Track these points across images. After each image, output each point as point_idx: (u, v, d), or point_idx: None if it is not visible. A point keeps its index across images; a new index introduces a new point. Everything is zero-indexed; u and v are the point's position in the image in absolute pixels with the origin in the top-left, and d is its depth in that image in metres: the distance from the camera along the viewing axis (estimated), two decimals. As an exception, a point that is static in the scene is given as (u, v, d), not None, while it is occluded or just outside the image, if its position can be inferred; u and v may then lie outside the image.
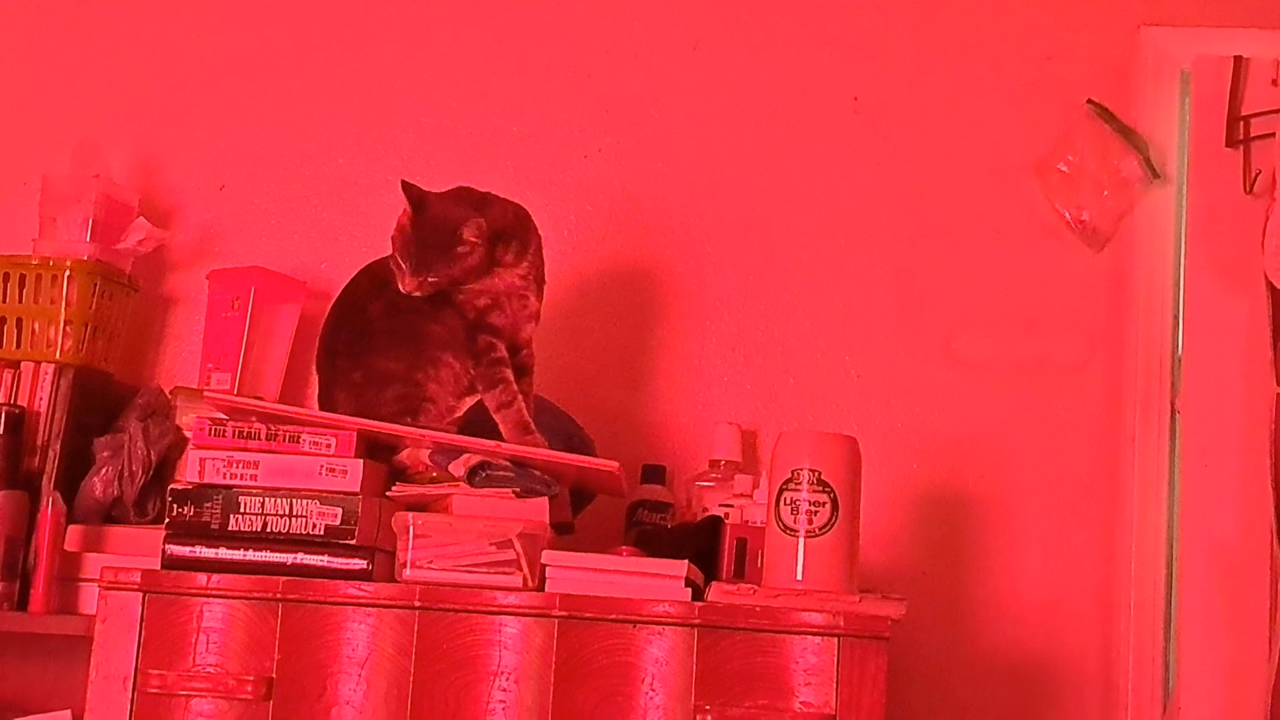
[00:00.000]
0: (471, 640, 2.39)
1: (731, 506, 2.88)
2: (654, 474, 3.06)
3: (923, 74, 3.29)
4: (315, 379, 2.78)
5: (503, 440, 2.60)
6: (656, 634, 2.37)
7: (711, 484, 3.02)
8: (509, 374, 2.68)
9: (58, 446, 2.92)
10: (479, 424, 2.67)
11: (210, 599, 2.43)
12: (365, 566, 2.47)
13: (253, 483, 2.51)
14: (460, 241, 2.63)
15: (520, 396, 2.67)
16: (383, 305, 2.69)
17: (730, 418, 3.14)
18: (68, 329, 2.97)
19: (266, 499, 2.50)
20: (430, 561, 2.45)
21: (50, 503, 2.85)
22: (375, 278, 2.72)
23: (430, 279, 2.63)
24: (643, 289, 3.27)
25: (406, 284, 2.64)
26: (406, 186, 2.66)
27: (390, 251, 2.66)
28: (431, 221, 2.65)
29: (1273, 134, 3.06)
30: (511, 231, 2.71)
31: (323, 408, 2.72)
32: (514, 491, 2.54)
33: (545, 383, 2.83)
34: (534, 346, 2.78)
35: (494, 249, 2.67)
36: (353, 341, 2.72)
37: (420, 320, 2.69)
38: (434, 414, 2.65)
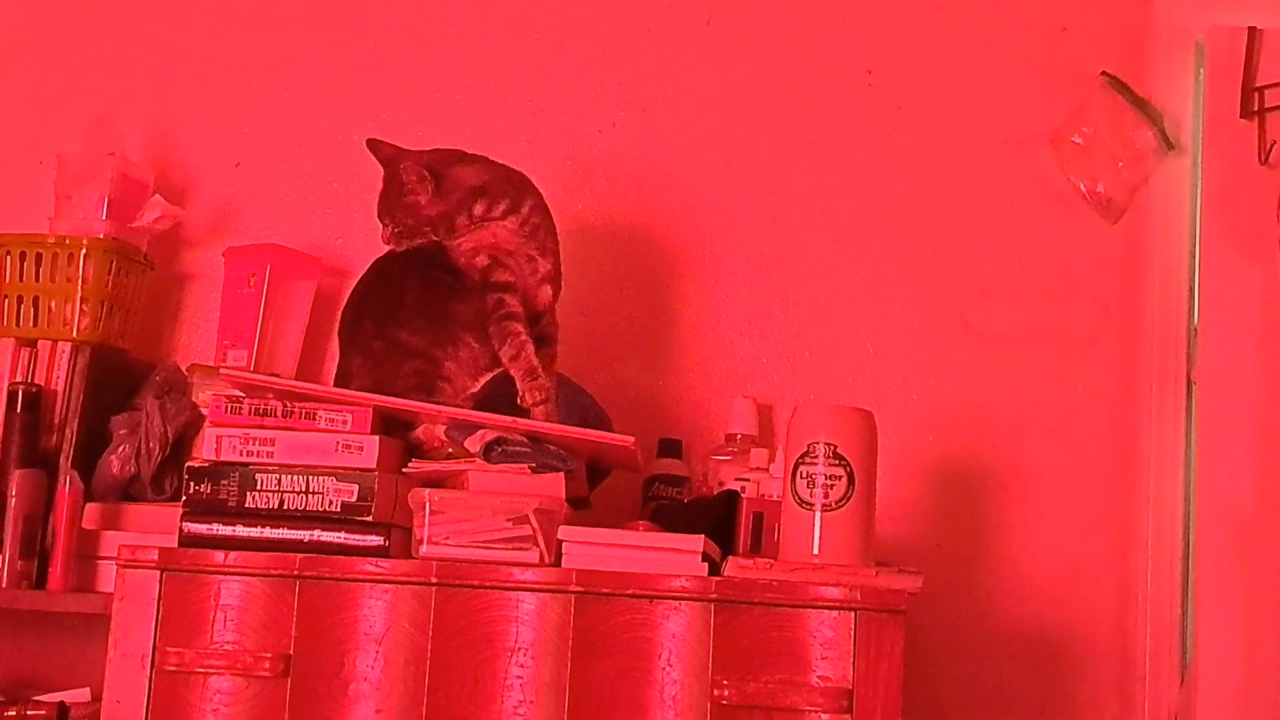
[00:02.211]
0: (488, 616, 2.39)
1: (748, 480, 2.87)
2: (670, 448, 3.06)
3: (936, 47, 3.29)
4: (331, 356, 2.80)
5: (518, 416, 2.61)
6: (673, 609, 2.38)
7: (727, 458, 3.03)
8: (518, 326, 2.70)
9: (75, 425, 2.93)
10: (495, 400, 2.67)
11: (228, 576, 2.44)
12: (382, 543, 2.47)
13: (269, 460, 2.51)
14: (404, 189, 2.68)
15: (528, 345, 2.69)
16: (419, 281, 2.73)
17: (746, 391, 3.15)
18: (84, 307, 2.98)
19: (283, 476, 2.50)
20: (447, 538, 2.45)
21: (68, 481, 2.85)
22: (416, 251, 2.75)
23: (394, 229, 2.72)
24: (657, 263, 3.27)
25: (381, 236, 2.75)
26: (372, 144, 2.76)
27: None
28: (392, 173, 2.75)
29: (1287, 105, 3.07)
30: (496, 189, 2.75)
31: (339, 372, 2.75)
32: (530, 467, 2.54)
33: (561, 357, 2.83)
34: (555, 315, 2.80)
35: (470, 204, 2.72)
36: (381, 310, 2.74)
37: (449, 300, 2.72)
38: (449, 394, 2.66)
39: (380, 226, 2.73)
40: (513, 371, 2.67)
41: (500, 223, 2.72)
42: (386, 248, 2.75)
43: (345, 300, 2.84)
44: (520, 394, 2.63)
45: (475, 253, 2.71)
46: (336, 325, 2.85)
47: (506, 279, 2.72)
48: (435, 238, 2.71)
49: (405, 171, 2.69)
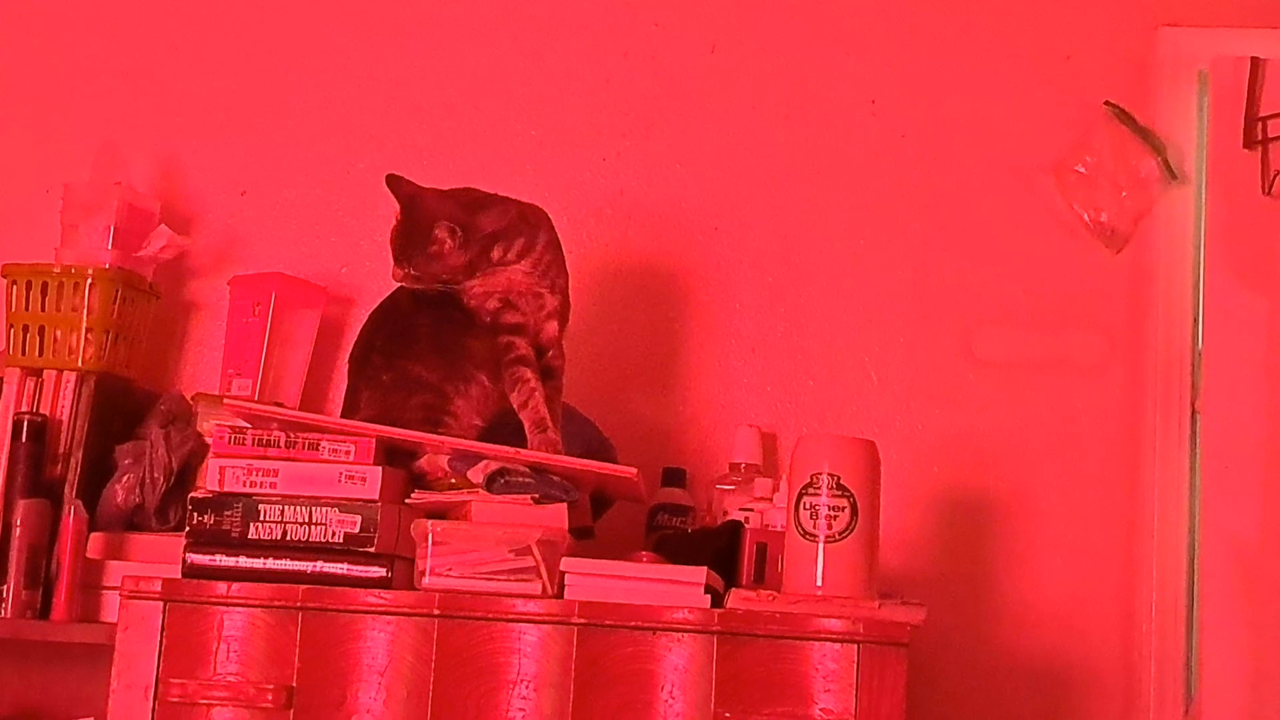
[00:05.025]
0: (491, 648, 2.39)
1: (751, 510, 2.88)
2: (674, 477, 3.06)
3: (940, 76, 3.29)
4: (336, 386, 2.79)
5: (523, 446, 2.61)
6: (676, 641, 2.38)
7: (731, 487, 3.02)
8: (527, 372, 2.69)
9: (79, 454, 2.93)
10: (499, 430, 2.68)
11: (231, 608, 2.44)
12: (385, 574, 2.47)
13: (272, 490, 2.52)
14: (433, 240, 2.66)
15: (537, 393, 2.67)
16: (432, 315, 2.72)
17: (750, 420, 3.14)
18: (89, 336, 2.98)
19: (286, 507, 2.50)
20: (449, 569, 2.45)
21: (72, 511, 2.84)
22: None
23: (412, 273, 2.69)
24: (661, 292, 3.27)
25: (394, 274, 2.71)
26: (392, 181, 2.72)
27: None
28: (414, 216, 2.70)
29: (1290, 135, 3.08)
30: (513, 230, 2.73)
31: (347, 403, 2.75)
32: (533, 498, 2.55)
33: (565, 387, 2.82)
34: (562, 348, 2.79)
35: (489, 249, 2.70)
36: (392, 341, 2.74)
37: (462, 335, 2.71)
38: (455, 430, 2.65)
39: (395, 264, 2.71)
40: (522, 418, 2.66)
41: (515, 265, 2.71)
42: (396, 283, 2.74)
43: (359, 332, 2.83)
44: (530, 447, 2.62)
45: (487, 296, 2.70)
46: (344, 355, 2.85)
47: (516, 320, 2.71)
48: (453, 285, 2.70)
49: (439, 229, 2.65)
